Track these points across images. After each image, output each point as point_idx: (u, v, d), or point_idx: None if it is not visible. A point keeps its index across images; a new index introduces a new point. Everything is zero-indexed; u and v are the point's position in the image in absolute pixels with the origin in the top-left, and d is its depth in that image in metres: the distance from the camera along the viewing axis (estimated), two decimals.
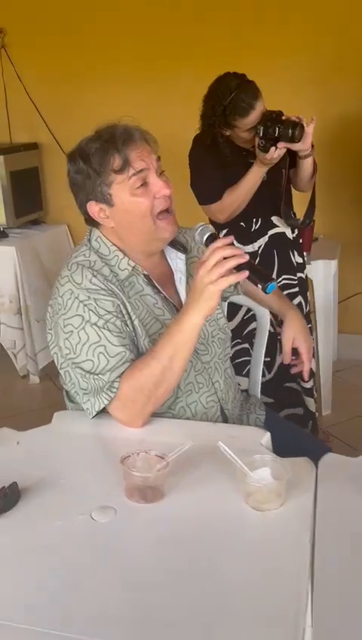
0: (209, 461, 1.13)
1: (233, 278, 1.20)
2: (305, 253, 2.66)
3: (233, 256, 1.19)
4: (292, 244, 2.30)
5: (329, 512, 1.01)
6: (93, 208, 1.32)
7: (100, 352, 1.25)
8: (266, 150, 2.00)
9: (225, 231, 2.21)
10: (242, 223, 2.21)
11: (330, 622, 0.81)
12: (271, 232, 2.24)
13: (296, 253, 2.31)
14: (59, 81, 3.34)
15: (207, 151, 2.15)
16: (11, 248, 3.03)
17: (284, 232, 2.26)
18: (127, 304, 1.31)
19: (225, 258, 1.19)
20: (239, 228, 2.21)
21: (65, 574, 0.91)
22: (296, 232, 2.32)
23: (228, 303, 1.72)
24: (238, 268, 1.20)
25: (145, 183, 1.29)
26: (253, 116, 2.04)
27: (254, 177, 2.10)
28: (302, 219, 2.29)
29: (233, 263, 1.18)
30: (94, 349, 1.25)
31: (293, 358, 1.57)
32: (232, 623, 0.81)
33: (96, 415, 1.28)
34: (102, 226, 1.36)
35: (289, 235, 2.28)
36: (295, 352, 1.56)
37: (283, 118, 2.02)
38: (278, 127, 1.98)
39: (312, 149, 2.09)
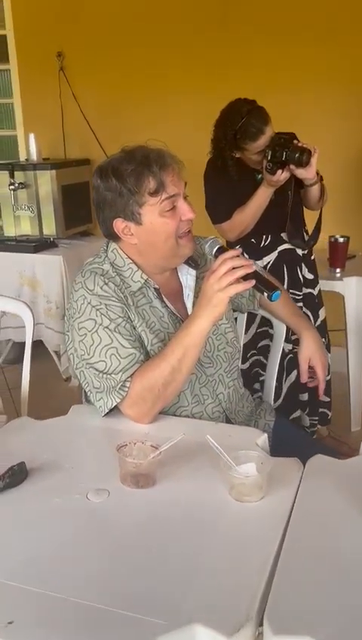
0: (200, 455, 1.21)
1: (241, 287, 1.29)
2: (338, 270, 2.72)
3: (241, 266, 1.28)
4: (302, 260, 2.37)
5: (307, 507, 1.07)
6: (120, 225, 1.40)
7: (112, 354, 1.35)
8: (273, 172, 2.11)
9: (236, 247, 2.31)
10: (253, 240, 2.31)
11: (286, 604, 0.87)
12: (280, 248, 2.33)
13: (306, 269, 2.38)
14: (112, 101, 3.53)
15: (218, 173, 2.26)
16: (59, 257, 3.21)
17: (294, 249, 2.35)
18: (134, 313, 1.40)
19: (234, 268, 1.28)
20: (250, 244, 2.32)
21: (58, 543, 1.01)
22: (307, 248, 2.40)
23: (246, 318, 1.81)
24: (246, 277, 1.28)
25: (173, 207, 1.39)
26: (262, 140, 2.14)
27: (261, 198, 2.21)
28: (307, 239, 2.38)
29: (241, 272, 1.27)
30: (107, 351, 1.35)
31: (310, 378, 1.64)
32: (199, 593, 0.89)
33: (108, 413, 1.38)
34: (122, 242, 1.44)
35: (299, 251, 2.36)
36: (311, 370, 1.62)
37: (293, 143, 2.11)
38: (286, 151, 2.08)
39: (318, 177, 2.19)
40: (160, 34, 3.34)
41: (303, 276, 2.37)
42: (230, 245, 2.32)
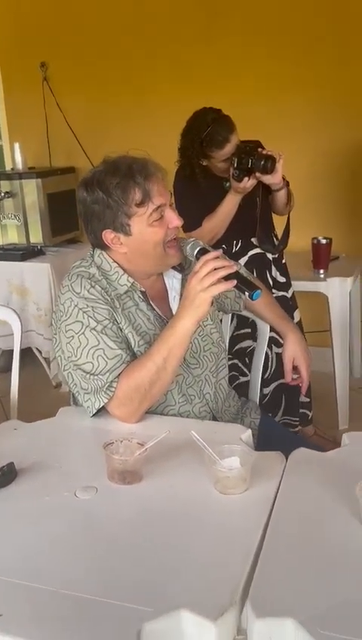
0: (186, 450, 1.24)
1: (222, 287, 1.33)
2: (321, 271, 2.77)
3: (223, 267, 1.32)
4: (272, 263, 2.42)
5: (289, 498, 1.11)
6: (108, 236, 1.43)
7: (99, 355, 1.38)
8: (240, 180, 2.17)
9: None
10: (224, 246, 2.35)
11: (268, 589, 0.90)
12: (251, 253, 2.38)
13: (277, 272, 2.43)
14: (96, 111, 3.57)
15: (186, 182, 2.31)
16: (46, 265, 3.24)
17: (264, 253, 2.40)
18: (120, 315, 1.43)
19: (216, 269, 1.31)
20: (221, 250, 2.33)
21: (47, 539, 1.04)
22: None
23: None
24: (228, 277, 1.32)
25: (161, 216, 1.42)
26: (228, 148, 2.21)
27: (229, 205, 2.26)
28: (277, 243, 2.43)
29: (223, 272, 1.31)
30: (94, 352, 1.38)
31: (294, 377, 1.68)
32: (185, 582, 0.92)
33: (96, 413, 1.41)
34: (111, 250, 1.47)
35: (270, 255, 2.41)
36: (295, 369, 1.67)
37: (258, 150, 2.17)
38: (251, 159, 2.14)
39: (284, 183, 2.25)
40: (144, 44, 3.38)
41: (274, 279, 2.42)
42: None
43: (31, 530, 1.07)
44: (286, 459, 1.23)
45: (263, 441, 1.53)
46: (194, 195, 2.32)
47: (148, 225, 1.41)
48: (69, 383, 1.46)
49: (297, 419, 2.50)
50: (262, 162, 2.14)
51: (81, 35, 3.49)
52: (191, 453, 1.22)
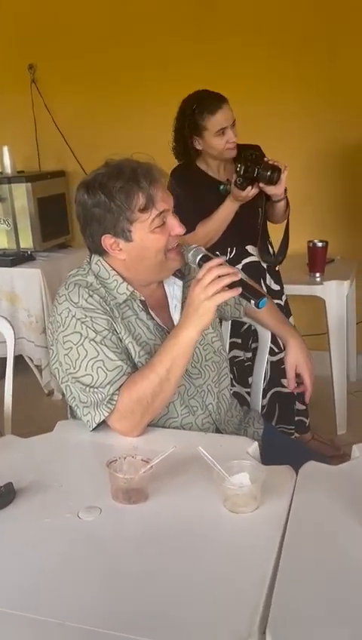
0: (193, 467, 1.19)
1: (227, 295, 1.28)
2: (318, 274, 2.73)
3: (227, 274, 1.27)
4: (267, 271, 2.37)
5: (302, 515, 1.06)
6: (108, 241, 1.37)
7: (99, 367, 1.33)
8: (243, 188, 2.11)
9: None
10: (217, 252, 2.29)
11: (288, 616, 0.85)
12: (245, 261, 2.33)
13: (271, 280, 2.38)
14: (85, 113, 3.50)
15: (181, 183, 2.25)
16: (37, 271, 3.17)
17: (258, 261, 2.35)
18: (120, 325, 1.38)
19: (219, 276, 1.27)
20: (223, 257, 2.28)
21: (50, 566, 0.98)
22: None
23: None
24: (232, 285, 1.27)
25: (163, 222, 1.37)
26: (220, 116, 2.17)
27: (226, 211, 2.20)
28: (275, 255, 2.38)
29: (227, 280, 1.26)
30: (93, 364, 1.33)
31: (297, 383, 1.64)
32: (198, 610, 0.87)
33: (96, 427, 1.35)
34: (109, 256, 1.41)
35: (264, 263, 2.36)
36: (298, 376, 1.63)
37: (264, 160, 2.12)
38: (258, 168, 2.08)
39: (285, 193, 2.20)
40: (134, 44, 3.33)
41: (268, 287, 2.37)
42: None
43: (31, 556, 1.01)
44: (296, 472, 1.19)
45: (268, 452, 1.48)
46: (189, 198, 2.25)
47: (150, 231, 1.36)
48: (67, 396, 1.41)
49: (292, 427, 2.45)
50: (269, 173, 2.08)
51: (70, 35, 3.43)
52: (197, 469, 1.17)
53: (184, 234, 2.24)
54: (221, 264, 1.29)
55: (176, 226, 1.38)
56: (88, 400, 1.34)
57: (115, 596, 0.91)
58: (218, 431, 1.51)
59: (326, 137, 3.12)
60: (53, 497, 1.15)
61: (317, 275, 2.73)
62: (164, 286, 1.50)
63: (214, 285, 1.26)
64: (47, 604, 0.90)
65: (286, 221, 2.33)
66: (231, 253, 2.32)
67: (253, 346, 2.31)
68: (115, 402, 1.32)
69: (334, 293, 2.64)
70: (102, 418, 1.33)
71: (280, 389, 2.36)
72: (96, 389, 1.33)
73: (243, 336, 2.29)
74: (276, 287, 2.41)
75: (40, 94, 3.55)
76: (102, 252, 1.42)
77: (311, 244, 2.73)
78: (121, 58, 3.38)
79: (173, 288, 1.50)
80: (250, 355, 2.32)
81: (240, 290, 1.27)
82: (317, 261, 2.72)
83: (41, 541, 1.04)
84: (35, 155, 3.66)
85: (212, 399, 1.49)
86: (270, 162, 2.10)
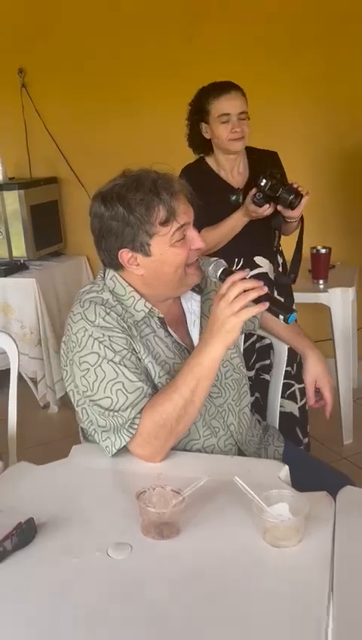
0: (225, 495, 1.12)
1: (255, 310, 1.21)
2: (321, 281, 2.68)
3: (252, 288, 1.20)
4: (273, 284, 2.25)
5: (349, 549, 1.00)
6: (125, 256, 1.30)
7: (118, 389, 1.25)
8: (260, 205, 1.99)
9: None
10: (227, 266, 2.16)
11: None
12: (252, 273, 2.21)
13: (276, 292, 2.25)
14: (77, 117, 3.43)
15: (191, 183, 2.15)
16: (32, 280, 3.08)
17: (267, 273, 2.24)
18: (139, 344, 1.31)
19: (245, 290, 1.20)
20: (247, 270, 2.15)
21: (81, 611, 0.91)
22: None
23: None
24: (258, 300, 1.21)
25: (183, 236, 1.30)
26: (225, 102, 2.10)
27: (235, 223, 2.10)
28: (288, 275, 2.26)
29: (254, 294, 1.19)
30: (112, 386, 1.25)
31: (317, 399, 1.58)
32: None
33: (115, 453, 1.28)
34: (125, 271, 1.34)
35: (271, 275, 2.25)
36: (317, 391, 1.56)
37: (289, 183, 2.01)
38: (282, 188, 1.97)
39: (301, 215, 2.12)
40: (126, 47, 3.26)
41: None
42: (213, 254, 2.14)
43: (62, 601, 0.93)
44: (318, 492, 1.13)
45: (292, 473, 1.41)
46: (199, 201, 2.16)
47: (171, 245, 1.29)
48: (83, 420, 1.33)
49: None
50: (291, 197, 1.97)
51: (60, 39, 3.35)
52: (229, 497, 1.11)
53: None
54: (244, 277, 1.23)
55: (196, 240, 1.31)
56: (107, 424, 1.27)
57: None
58: (240, 451, 1.44)
59: (325, 142, 3.07)
60: (79, 533, 1.08)
61: (321, 281, 2.68)
62: (181, 301, 1.43)
63: (240, 300, 1.19)
64: None
65: (299, 239, 2.22)
66: (238, 264, 2.21)
67: (257, 365, 2.24)
68: (136, 426, 1.24)
69: (339, 300, 2.59)
70: (124, 444, 1.25)
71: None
72: (116, 413, 1.25)
73: (245, 353, 2.20)
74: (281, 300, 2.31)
75: (30, 99, 3.46)
76: (118, 267, 1.34)
77: (314, 251, 2.68)
78: (114, 61, 3.30)
79: (191, 303, 1.43)
80: (252, 374, 2.23)
81: (267, 305, 1.21)
82: (321, 268, 2.67)
83: (71, 584, 0.97)
84: (26, 161, 3.57)
85: (233, 419, 1.43)
86: (294, 186, 1.99)
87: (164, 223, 1.26)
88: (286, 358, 1.71)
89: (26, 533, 1.05)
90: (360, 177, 3.09)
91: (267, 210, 2.01)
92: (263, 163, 2.17)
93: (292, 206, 1.99)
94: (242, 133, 2.12)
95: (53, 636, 0.87)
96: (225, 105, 2.10)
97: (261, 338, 2.11)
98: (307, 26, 2.98)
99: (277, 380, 1.72)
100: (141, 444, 1.25)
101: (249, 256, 2.21)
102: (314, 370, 1.56)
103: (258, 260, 2.23)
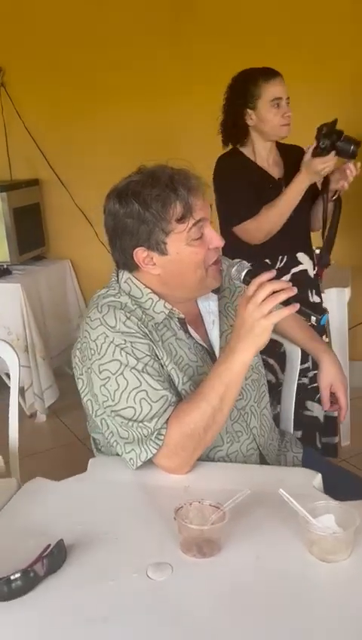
0: (263, 507, 1.06)
1: (286, 311, 1.16)
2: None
3: (281, 289, 1.15)
4: (312, 283, 2.21)
5: None
6: (141, 255, 1.25)
7: (142, 398, 1.19)
8: (324, 154, 1.90)
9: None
10: (267, 260, 2.11)
11: None
12: (294, 270, 2.15)
13: (313, 292, 2.21)
14: (59, 117, 3.35)
15: (235, 171, 2.08)
16: (17, 285, 2.99)
17: (306, 270, 2.18)
18: (161, 349, 1.25)
19: (274, 292, 1.15)
20: (263, 265, 2.09)
21: (124, 637, 0.84)
22: (316, 270, 2.24)
23: None
24: (286, 302, 1.16)
25: (201, 234, 1.25)
26: (277, 85, 2.03)
27: (298, 189, 1.98)
28: (322, 258, 2.22)
29: (284, 296, 1.14)
30: (135, 395, 1.19)
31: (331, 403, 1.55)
32: None
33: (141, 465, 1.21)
34: (141, 271, 1.29)
35: (311, 273, 2.20)
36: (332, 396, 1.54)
37: (343, 132, 1.96)
38: (342, 136, 1.92)
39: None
40: (108, 47, 3.19)
41: (313, 302, 2.20)
42: (254, 252, 2.03)
43: (101, 630, 0.86)
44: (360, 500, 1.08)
45: None
46: (245, 182, 2.04)
47: (187, 244, 1.23)
48: (103, 431, 1.26)
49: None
50: (352, 146, 1.90)
51: (41, 37, 3.26)
52: (267, 509, 1.06)
53: (244, 221, 2.02)
54: (271, 279, 1.18)
55: (214, 239, 1.26)
56: (130, 435, 1.20)
57: None
58: (261, 457, 1.39)
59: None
60: (112, 554, 1.01)
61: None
62: (197, 301, 1.38)
63: (269, 302, 1.14)
64: None
65: (335, 219, 2.15)
66: (281, 261, 2.13)
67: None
68: (163, 437, 1.18)
69: (335, 301, 2.57)
70: (150, 456, 1.19)
71: None
72: (140, 424, 1.19)
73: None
74: (317, 300, 2.23)
75: (10, 98, 3.37)
76: (132, 267, 1.28)
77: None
78: (95, 60, 3.24)
79: (208, 303, 1.37)
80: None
81: (298, 306, 1.16)
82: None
83: (110, 609, 0.90)
84: (6, 162, 3.46)
85: (256, 421, 1.38)
86: (351, 136, 1.93)
87: (181, 219, 1.21)
88: (299, 361, 1.66)
89: (56, 556, 0.98)
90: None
91: (331, 161, 1.92)
92: (292, 155, 2.12)
93: (354, 155, 1.92)
94: (291, 118, 2.07)
95: None
96: (279, 89, 2.03)
97: None
98: (294, 23, 2.96)
99: (290, 384, 1.67)
100: (168, 455, 1.19)
101: (291, 253, 2.14)
102: (328, 373, 1.53)
103: (300, 256, 2.16)
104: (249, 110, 2.06)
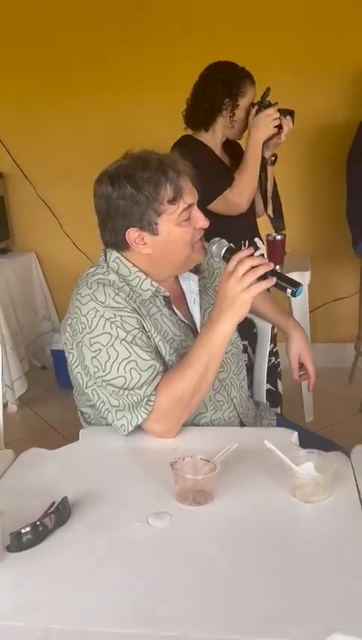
0: (248, 461, 1.17)
1: (264, 285, 1.26)
2: (277, 267, 2.77)
3: (259, 264, 1.25)
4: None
5: None
6: (132, 235, 1.32)
7: (132, 368, 1.27)
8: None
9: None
10: (232, 244, 2.24)
11: None
12: (256, 254, 2.26)
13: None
14: (20, 109, 3.35)
15: (198, 152, 2.14)
16: None
17: (263, 254, 2.36)
18: (149, 323, 1.34)
19: (253, 267, 1.25)
20: (229, 249, 2.20)
21: (139, 579, 0.93)
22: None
23: None
24: (264, 276, 1.26)
25: (189, 216, 1.34)
26: (253, 95, 2.14)
27: (255, 144, 2.08)
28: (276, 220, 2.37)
29: (262, 270, 1.24)
30: (125, 365, 1.27)
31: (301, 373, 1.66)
32: (302, 609, 0.85)
33: (131, 431, 1.29)
34: (130, 251, 1.36)
35: (266, 257, 2.38)
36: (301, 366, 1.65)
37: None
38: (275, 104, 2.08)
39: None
40: (71, 36, 3.22)
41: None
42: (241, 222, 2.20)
43: (111, 570, 0.95)
44: (333, 451, 1.20)
45: None
46: (211, 157, 2.14)
47: (177, 224, 1.32)
48: (94, 402, 1.33)
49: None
50: (288, 115, 2.07)
51: (4, 31, 3.26)
52: (252, 463, 1.17)
53: (224, 190, 2.10)
54: (250, 255, 1.28)
55: (200, 219, 1.35)
56: (121, 403, 1.28)
57: (225, 602, 0.87)
58: (242, 424, 1.49)
59: None
60: (113, 508, 1.09)
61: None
62: (179, 280, 1.47)
63: (249, 276, 1.24)
64: (148, 618, 0.85)
65: (274, 187, 2.31)
66: (245, 245, 2.25)
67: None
68: (152, 403, 1.27)
69: None
70: (141, 421, 1.27)
71: None
72: (130, 391, 1.27)
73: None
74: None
75: None
76: (122, 247, 1.36)
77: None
78: (60, 56, 3.25)
79: (189, 283, 1.46)
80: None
81: (274, 280, 1.26)
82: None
83: (117, 554, 0.98)
84: None
85: (236, 392, 1.48)
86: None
87: (172, 201, 1.29)
88: (269, 336, 1.78)
89: (61, 512, 1.05)
90: (312, 166, 3.22)
91: (274, 108, 2.05)
92: (233, 149, 2.27)
93: (292, 115, 2.09)
94: None
95: (117, 602, 0.88)
96: (252, 98, 2.14)
97: None
98: (248, 16, 3.06)
99: (263, 358, 1.78)
100: (158, 420, 1.28)
101: (251, 238, 2.30)
102: (297, 345, 1.64)
103: (257, 241, 2.34)
104: (229, 100, 2.12)
